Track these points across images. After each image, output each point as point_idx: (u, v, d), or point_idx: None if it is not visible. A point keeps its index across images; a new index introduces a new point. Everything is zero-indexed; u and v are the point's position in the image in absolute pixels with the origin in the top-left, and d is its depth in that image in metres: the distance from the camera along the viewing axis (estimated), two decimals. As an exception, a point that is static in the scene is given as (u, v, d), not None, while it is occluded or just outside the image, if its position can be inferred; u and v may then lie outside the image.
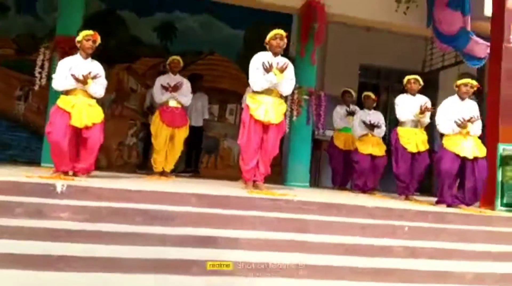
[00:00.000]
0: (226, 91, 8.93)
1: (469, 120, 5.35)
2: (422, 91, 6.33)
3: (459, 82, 5.64)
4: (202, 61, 9.11)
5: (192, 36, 9.01)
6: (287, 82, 5.16)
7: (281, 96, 5.28)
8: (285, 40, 5.21)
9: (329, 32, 8.67)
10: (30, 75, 6.41)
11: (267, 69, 4.99)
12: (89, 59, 5.04)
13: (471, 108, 5.52)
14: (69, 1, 6.48)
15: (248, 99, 5.18)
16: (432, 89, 8.65)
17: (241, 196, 4.42)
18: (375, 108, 7.38)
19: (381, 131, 7.05)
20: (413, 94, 6.20)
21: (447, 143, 5.45)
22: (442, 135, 5.63)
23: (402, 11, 7.41)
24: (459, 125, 5.36)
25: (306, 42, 7.25)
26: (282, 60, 5.15)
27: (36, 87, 6.20)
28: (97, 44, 5.01)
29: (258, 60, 5.11)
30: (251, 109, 5.07)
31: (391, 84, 9.92)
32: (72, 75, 4.81)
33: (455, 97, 5.64)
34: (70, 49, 5.49)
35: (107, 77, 5.22)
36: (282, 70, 5.00)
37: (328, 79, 9.13)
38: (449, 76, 8.96)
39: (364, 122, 6.95)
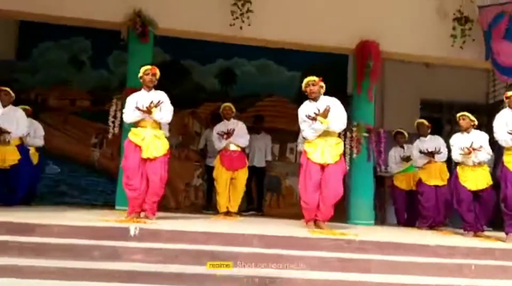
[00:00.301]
0: (285, 131, 9.09)
1: None
2: (488, 123, 6.14)
3: (509, 93, 5.51)
4: (262, 102, 9.45)
5: (251, 80, 9.42)
6: (335, 119, 5.23)
7: (339, 135, 5.40)
8: (320, 84, 5.36)
9: (386, 68, 8.76)
10: (104, 124, 6.82)
11: (312, 119, 5.16)
12: (152, 91, 5.38)
13: None
14: (138, 55, 6.96)
15: (305, 144, 5.36)
16: (498, 120, 8.39)
17: (302, 237, 4.50)
18: (435, 133, 7.24)
19: (443, 156, 6.86)
20: (467, 131, 6.06)
21: (508, 159, 5.26)
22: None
23: (459, 45, 7.36)
24: None
25: (362, 80, 7.32)
26: (323, 103, 5.25)
27: (110, 135, 6.61)
28: (157, 77, 5.35)
29: (302, 112, 5.31)
30: (308, 153, 5.24)
31: (454, 118, 9.72)
32: (136, 107, 5.18)
33: (507, 109, 5.50)
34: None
35: (173, 122, 5.55)
36: (325, 115, 5.14)
37: (388, 115, 9.12)
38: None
39: (421, 151, 6.87)
